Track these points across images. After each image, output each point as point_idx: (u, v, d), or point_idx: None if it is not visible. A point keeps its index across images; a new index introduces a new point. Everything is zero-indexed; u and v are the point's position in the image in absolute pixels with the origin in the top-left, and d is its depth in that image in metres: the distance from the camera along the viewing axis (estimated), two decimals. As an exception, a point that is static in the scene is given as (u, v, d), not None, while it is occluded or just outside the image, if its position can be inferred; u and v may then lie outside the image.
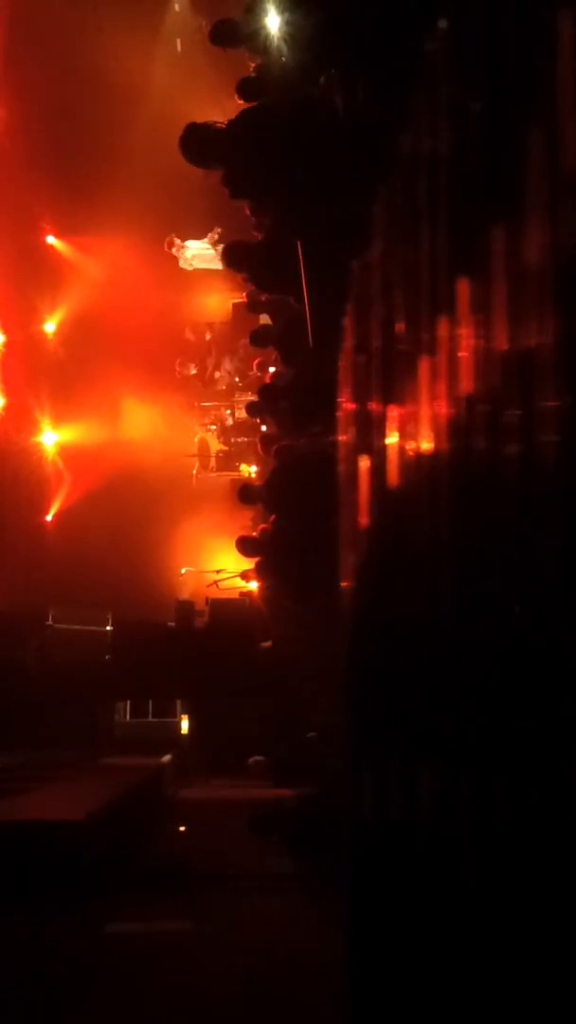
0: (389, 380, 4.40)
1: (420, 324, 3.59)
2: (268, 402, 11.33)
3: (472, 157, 2.90)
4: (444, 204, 3.29)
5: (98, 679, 17.70)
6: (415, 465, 3.74)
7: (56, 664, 17.97)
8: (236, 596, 17.86)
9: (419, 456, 3.63)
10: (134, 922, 7.92)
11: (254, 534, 12.83)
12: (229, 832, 10.35)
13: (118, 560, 18.79)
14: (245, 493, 13.08)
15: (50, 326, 21.23)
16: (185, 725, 18.43)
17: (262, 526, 12.29)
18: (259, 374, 17.15)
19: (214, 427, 21.49)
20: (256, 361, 17.18)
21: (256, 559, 12.33)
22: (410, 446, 3.83)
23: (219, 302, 21.47)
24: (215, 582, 18.51)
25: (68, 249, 21.26)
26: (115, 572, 18.63)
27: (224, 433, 21.40)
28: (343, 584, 6.06)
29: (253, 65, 8.78)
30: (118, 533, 19.07)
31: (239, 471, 20.70)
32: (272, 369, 14.36)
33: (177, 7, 20.04)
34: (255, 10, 8.04)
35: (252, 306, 14.87)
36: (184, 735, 18.25)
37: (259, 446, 15.09)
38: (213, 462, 21.41)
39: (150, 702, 18.83)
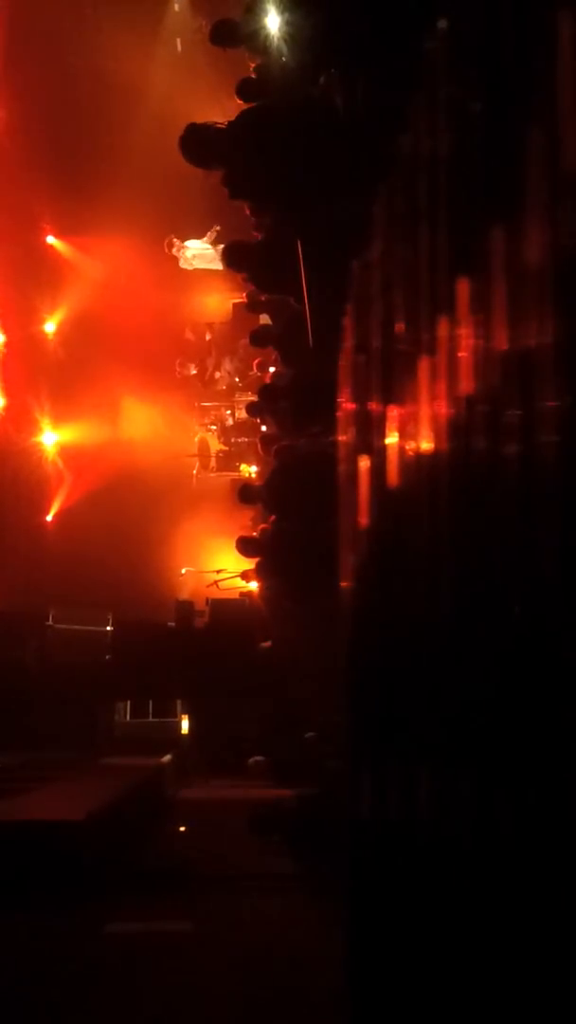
0: (389, 380, 4.40)
1: (420, 324, 3.59)
2: (268, 402, 11.32)
3: (472, 157, 2.90)
4: (444, 204, 3.29)
5: (98, 679, 17.70)
6: (415, 465, 3.74)
7: (56, 664, 17.97)
8: (236, 596, 17.87)
9: (419, 456, 3.63)
10: (134, 922, 7.92)
11: (254, 534, 12.83)
12: (229, 832, 10.34)
13: (118, 560, 18.79)
14: (245, 493, 13.08)
15: (50, 326, 21.23)
16: (185, 725, 18.44)
17: (262, 526, 12.29)
18: (259, 374, 17.15)
19: (214, 427, 21.49)
20: (256, 361, 17.18)
21: (256, 559, 12.33)
22: (410, 446, 3.83)
23: (219, 302, 21.47)
24: (215, 582, 18.52)
25: (68, 249, 21.26)
26: (115, 572, 18.63)
27: (224, 433, 21.40)
28: (343, 584, 6.06)
29: (253, 65, 8.78)
30: (118, 533, 19.07)
31: (239, 471, 20.70)
32: (272, 369, 14.36)
33: (177, 7, 20.04)
34: (255, 10, 8.04)
35: (252, 306, 14.88)
36: (184, 735, 18.25)
37: (259, 446, 15.10)
38: (213, 462, 21.41)
39: (150, 702, 18.83)
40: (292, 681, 13.13)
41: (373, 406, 4.90)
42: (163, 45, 20.14)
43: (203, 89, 17.49)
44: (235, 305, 20.44)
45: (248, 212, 9.11)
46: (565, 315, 2.16)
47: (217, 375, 21.60)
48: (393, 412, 4.24)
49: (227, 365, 21.44)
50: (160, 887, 8.86)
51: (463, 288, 2.95)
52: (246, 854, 9.66)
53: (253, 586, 15.84)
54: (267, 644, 14.06)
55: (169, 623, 18.28)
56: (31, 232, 20.74)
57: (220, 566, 18.46)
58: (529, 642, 2.31)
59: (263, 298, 12.75)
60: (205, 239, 20.48)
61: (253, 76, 8.79)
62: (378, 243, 4.74)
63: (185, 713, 18.55)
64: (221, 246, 16.57)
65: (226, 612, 17.54)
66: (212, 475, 21.34)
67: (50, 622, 18.86)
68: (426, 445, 3.51)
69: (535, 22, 2.34)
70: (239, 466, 20.89)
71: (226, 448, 21.38)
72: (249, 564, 13.85)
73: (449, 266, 3.19)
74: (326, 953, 5.89)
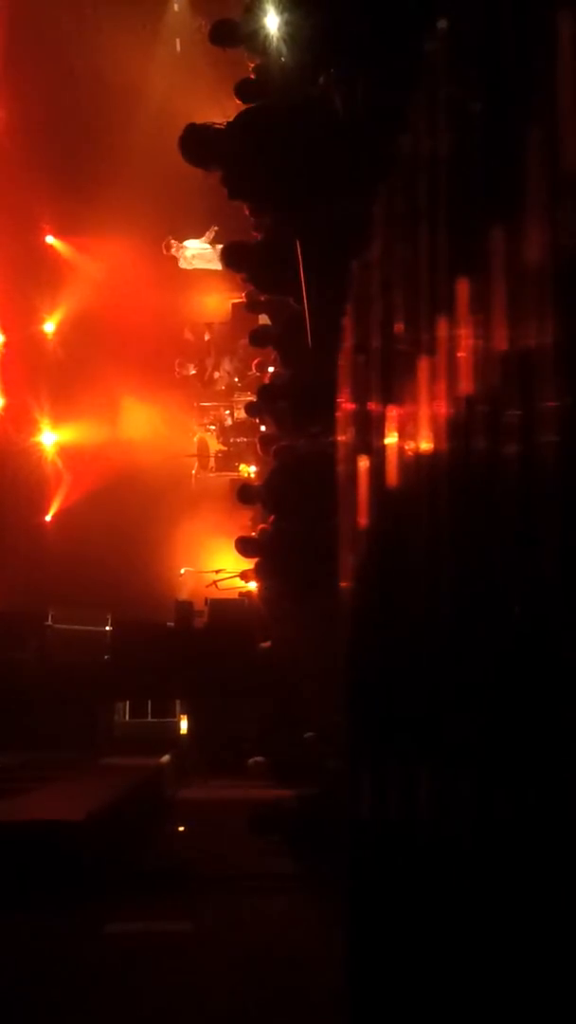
0: (388, 380, 4.40)
1: (419, 324, 3.59)
2: (267, 402, 11.32)
3: (472, 157, 2.90)
4: (444, 204, 3.29)
5: (98, 679, 17.71)
6: (414, 465, 3.74)
7: (56, 664, 17.97)
8: (235, 596, 17.88)
9: (418, 456, 3.63)
10: (134, 922, 7.92)
11: (253, 534, 12.83)
12: (229, 832, 10.35)
13: (118, 560, 18.80)
14: (244, 493, 13.09)
15: (50, 326, 21.24)
16: (184, 725, 18.44)
17: (261, 526, 12.29)
18: (258, 374, 17.16)
19: (213, 427, 21.50)
20: (255, 361, 17.18)
21: (255, 559, 12.33)
22: (409, 446, 3.83)
23: (218, 302, 21.47)
24: (214, 582, 18.53)
25: (68, 249, 21.27)
26: (115, 572, 18.63)
27: (223, 433, 21.41)
28: (342, 584, 6.06)
29: (252, 65, 8.78)
30: (118, 533, 19.07)
31: (238, 471, 20.71)
32: (271, 369, 14.37)
33: (176, 7, 20.03)
34: (254, 10, 8.04)
35: (251, 306, 14.88)
36: (183, 735, 18.26)
37: (258, 446, 15.09)
38: (212, 462, 21.41)
39: (149, 702, 18.84)
40: (292, 681, 13.13)
41: (372, 406, 4.89)
42: (163, 45, 20.15)
43: (203, 89, 17.49)
44: (234, 305, 20.44)
45: (247, 212, 9.11)
46: (565, 315, 2.16)
47: (216, 375, 21.60)
48: (392, 412, 4.24)
49: (226, 365, 21.45)
50: (160, 887, 8.87)
51: (463, 288, 2.95)
52: (246, 854, 9.66)
53: (252, 586, 15.84)
54: (266, 644, 14.06)
55: (168, 623, 18.29)
56: (31, 232, 20.74)
57: (219, 566, 18.47)
58: (529, 642, 2.31)
59: (262, 298, 12.75)
60: (204, 239, 20.48)
61: (252, 77, 8.80)
62: (378, 243, 4.74)
63: (184, 713, 18.55)
64: (220, 246, 16.59)
65: (225, 612, 17.55)
66: (211, 475, 21.34)
67: (49, 622, 18.86)
68: (426, 445, 3.51)
69: (535, 22, 2.34)
70: (238, 466, 20.89)
71: (225, 448, 21.38)
72: (248, 564, 13.86)
73: (449, 266, 3.19)
74: (326, 953, 5.89)
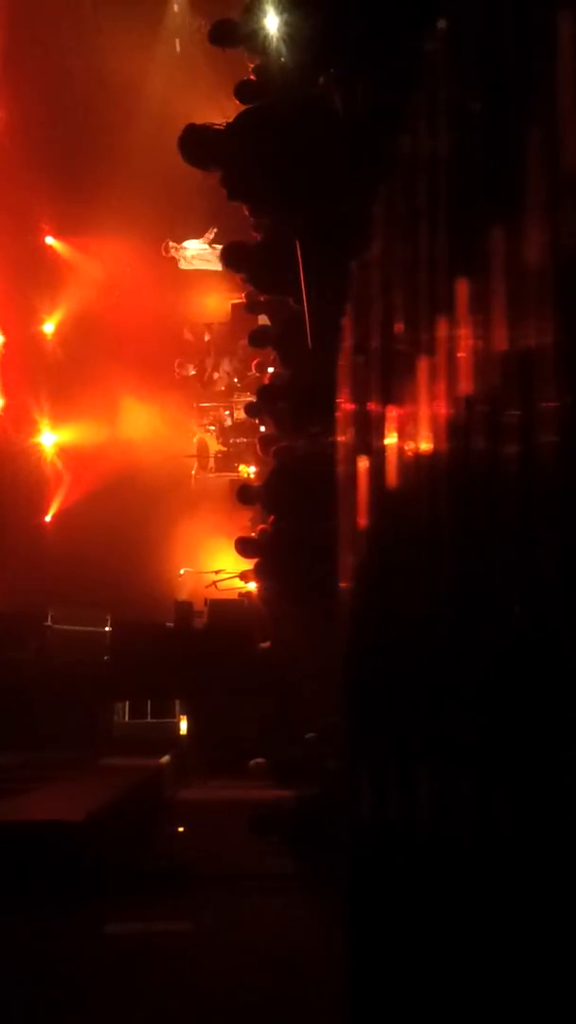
0: (388, 381, 4.40)
1: (419, 324, 3.59)
2: (267, 403, 11.32)
3: (472, 157, 2.90)
4: (443, 204, 3.29)
5: (97, 680, 17.72)
6: (414, 466, 3.74)
7: (56, 664, 17.98)
8: (235, 597, 17.89)
9: (418, 457, 3.63)
10: (134, 922, 7.92)
11: (253, 535, 12.83)
12: (228, 832, 10.35)
13: (117, 561, 18.81)
14: (244, 494, 13.08)
15: (49, 327, 21.24)
16: (184, 726, 18.44)
17: (261, 527, 12.29)
18: (258, 375, 17.15)
19: (213, 428, 21.50)
20: (255, 362, 17.18)
21: (255, 560, 12.33)
22: (409, 447, 3.83)
23: (218, 303, 21.48)
24: (214, 583, 18.54)
25: (67, 249, 21.28)
26: (114, 573, 18.65)
27: (223, 434, 21.41)
28: (342, 585, 6.06)
29: (252, 65, 8.78)
30: (117, 534, 19.08)
31: (238, 472, 20.71)
32: (271, 370, 14.36)
33: (176, 7, 20.05)
34: (254, 10, 8.04)
35: (251, 307, 14.88)
36: (183, 736, 18.26)
37: (258, 447, 15.09)
38: (212, 463, 21.42)
39: (149, 703, 18.84)
40: (291, 681, 13.13)
41: (372, 407, 4.90)
42: (162, 45, 20.15)
43: (202, 89, 17.51)
44: (234, 306, 20.45)
45: (247, 213, 9.11)
46: (565, 315, 2.16)
47: (216, 376, 21.61)
48: (392, 413, 4.24)
49: (226, 366, 21.45)
50: (160, 887, 8.87)
51: (462, 288, 2.95)
52: (246, 854, 9.66)
53: (252, 587, 15.84)
54: (266, 645, 14.06)
55: (168, 623, 18.30)
56: (31, 232, 20.76)
57: (219, 567, 18.48)
58: (529, 642, 2.31)
59: (262, 299, 12.76)
60: (203, 239, 20.48)
61: (252, 77, 8.80)
62: (377, 243, 4.74)
63: (184, 714, 18.56)
64: (219, 246, 16.60)
65: (225, 613, 17.56)
66: (211, 476, 21.35)
67: (49, 623, 18.88)
68: (425, 446, 3.51)
69: (535, 22, 2.34)
70: (238, 467, 20.90)
71: (225, 449, 21.39)
72: (248, 565, 13.85)
73: (449, 266, 3.19)
74: (326, 953, 5.89)
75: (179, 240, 20.69)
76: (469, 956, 2.75)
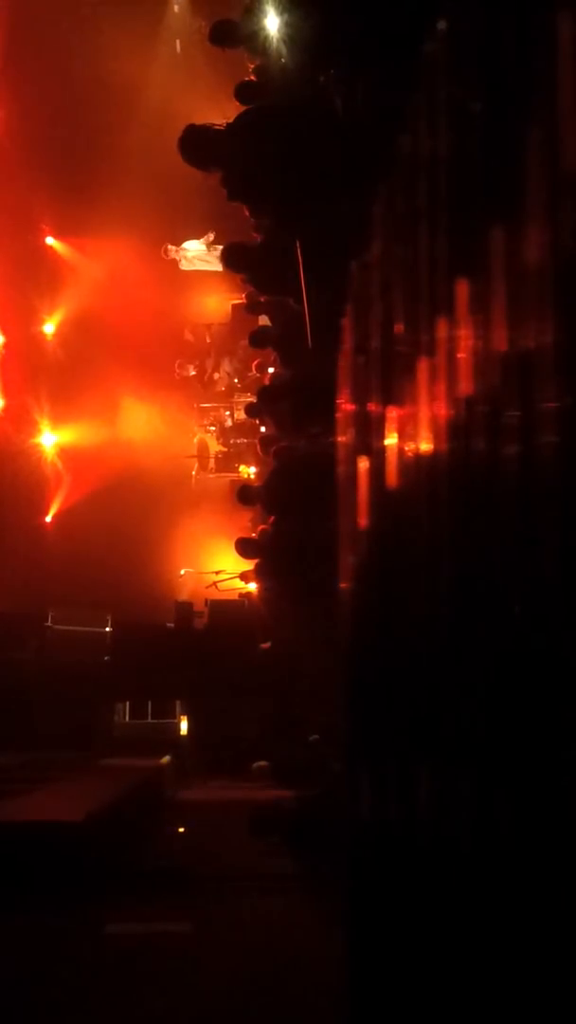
0: (388, 381, 4.40)
1: (419, 325, 3.59)
2: (267, 403, 11.33)
3: (472, 157, 2.90)
4: (443, 204, 3.29)
5: (97, 680, 17.71)
6: (414, 466, 3.74)
7: (56, 665, 17.96)
8: (235, 597, 17.88)
9: (418, 457, 3.63)
10: (134, 923, 7.92)
11: (253, 535, 12.83)
12: (228, 833, 10.35)
13: (117, 561, 18.81)
14: (244, 494, 13.10)
15: (49, 327, 21.24)
16: (184, 726, 18.43)
17: (261, 527, 12.30)
18: (258, 375, 17.16)
19: (213, 428, 21.50)
20: (255, 362, 17.19)
21: (255, 560, 12.33)
22: (409, 447, 3.83)
23: (218, 303, 21.48)
24: (214, 583, 18.54)
25: (67, 250, 21.27)
26: (114, 573, 18.64)
27: (223, 434, 21.41)
28: (342, 585, 6.06)
29: (252, 66, 8.78)
30: (117, 534, 19.08)
31: (238, 472, 20.72)
32: (271, 370, 14.37)
33: (176, 8, 20.04)
34: (254, 11, 8.04)
35: (251, 307, 14.90)
36: (183, 736, 18.24)
37: (258, 447, 15.10)
38: (212, 463, 21.42)
39: (149, 703, 18.82)
40: (291, 682, 13.13)
41: (372, 407, 4.90)
42: (162, 46, 20.15)
43: (202, 90, 17.50)
44: (234, 306, 20.45)
45: (247, 213, 9.11)
46: (565, 315, 2.16)
47: (216, 376, 21.61)
48: (392, 413, 4.24)
49: (226, 366, 21.46)
50: (160, 888, 8.87)
51: (462, 289, 2.95)
52: (246, 855, 9.66)
53: (252, 587, 15.84)
54: (266, 645, 14.07)
55: (168, 624, 18.29)
56: (31, 233, 20.75)
57: (219, 567, 18.48)
58: (529, 642, 2.31)
59: (262, 299, 12.76)
60: (201, 241, 20.49)
61: (252, 78, 8.80)
62: (377, 244, 4.75)
63: (184, 714, 18.54)
64: (219, 248, 16.60)
65: (225, 613, 17.55)
66: (211, 476, 21.35)
67: (49, 623, 18.86)
68: (425, 446, 3.51)
69: (535, 22, 2.34)
70: (238, 467, 20.90)
71: (225, 449, 21.39)
72: (248, 565, 13.86)
73: (449, 267, 3.19)
74: (326, 953, 5.89)
75: (178, 242, 20.70)
76: (469, 956, 2.75)
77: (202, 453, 21.48)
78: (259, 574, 12.60)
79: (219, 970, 6.99)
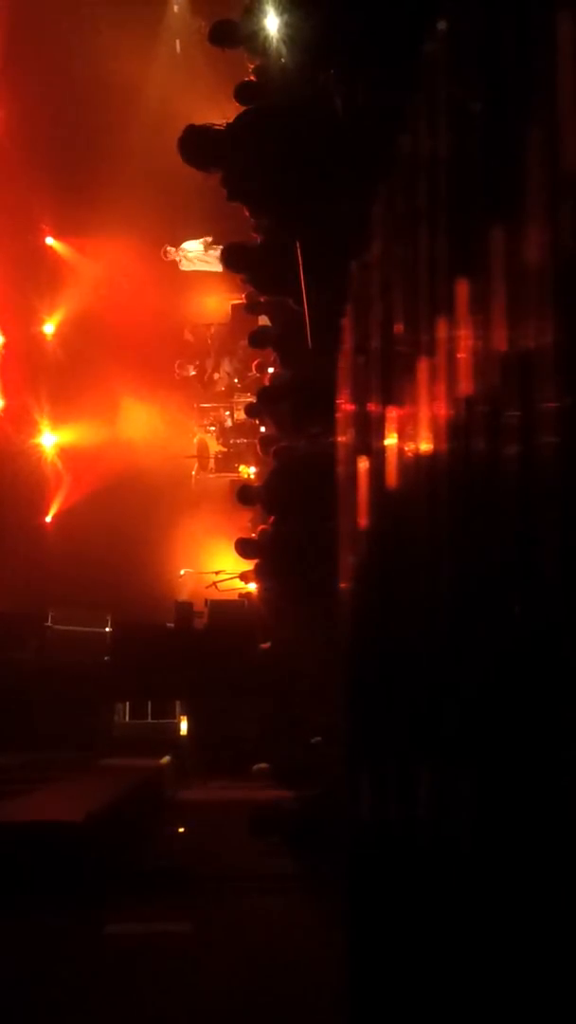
0: (388, 381, 4.40)
1: (419, 325, 3.59)
2: (267, 403, 11.33)
3: (472, 157, 2.90)
4: (443, 205, 3.29)
5: (97, 680, 17.71)
6: (414, 466, 3.74)
7: (56, 665, 17.97)
8: (235, 597, 17.89)
9: (418, 457, 3.63)
10: (134, 923, 7.92)
11: (253, 536, 12.84)
12: (228, 833, 10.35)
13: (117, 561, 18.81)
14: (244, 494, 13.10)
15: (49, 327, 21.24)
16: (184, 726, 18.43)
17: (261, 527, 12.30)
18: (258, 375, 17.17)
19: (213, 428, 21.51)
20: (255, 362, 17.19)
21: (255, 560, 12.33)
22: (409, 447, 3.83)
23: (218, 303, 21.49)
24: (214, 583, 18.54)
25: (67, 250, 21.28)
26: (114, 573, 18.65)
27: (223, 434, 21.42)
28: (342, 585, 6.06)
29: (252, 66, 8.78)
30: (117, 534, 19.09)
31: (238, 472, 20.73)
32: (271, 370, 14.37)
33: (176, 8, 20.05)
34: (254, 11, 8.04)
35: (251, 307, 14.91)
36: (183, 736, 18.25)
37: (258, 447, 15.11)
38: (212, 463, 21.43)
39: (149, 703, 18.83)
40: (291, 682, 13.13)
41: (372, 407, 4.90)
42: (162, 46, 20.16)
43: (202, 90, 17.50)
44: (234, 306, 20.46)
45: (247, 214, 9.11)
46: (565, 315, 2.16)
47: (216, 376, 21.62)
48: (392, 413, 4.24)
49: (226, 366, 21.46)
50: (160, 888, 8.87)
51: (462, 289, 2.95)
52: (246, 855, 9.66)
53: (252, 587, 15.84)
54: (266, 645, 14.06)
55: (168, 624, 18.29)
56: (30, 233, 20.76)
57: (219, 567, 18.49)
58: (529, 642, 2.31)
59: (262, 299, 12.77)
60: (199, 242, 20.50)
61: (252, 78, 8.80)
62: (377, 244, 4.75)
63: (184, 714, 18.55)
64: (218, 248, 16.60)
65: (225, 613, 17.56)
66: (211, 476, 21.36)
67: (49, 623, 18.87)
68: (425, 446, 3.51)
69: (535, 22, 2.34)
70: (238, 467, 20.91)
71: (225, 449, 21.41)
72: (248, 565, 13.86)
73: (448, 267, 3.19)
74: (326, 953, 5.89)
75: (177, 242, 20.70)
76: (469, 956, 2.75)
77: (202, 453, 21.48)
78: (259, 574, 12.61)
79: (219, 970, 6.98)
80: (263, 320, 14.86)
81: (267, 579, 12.22)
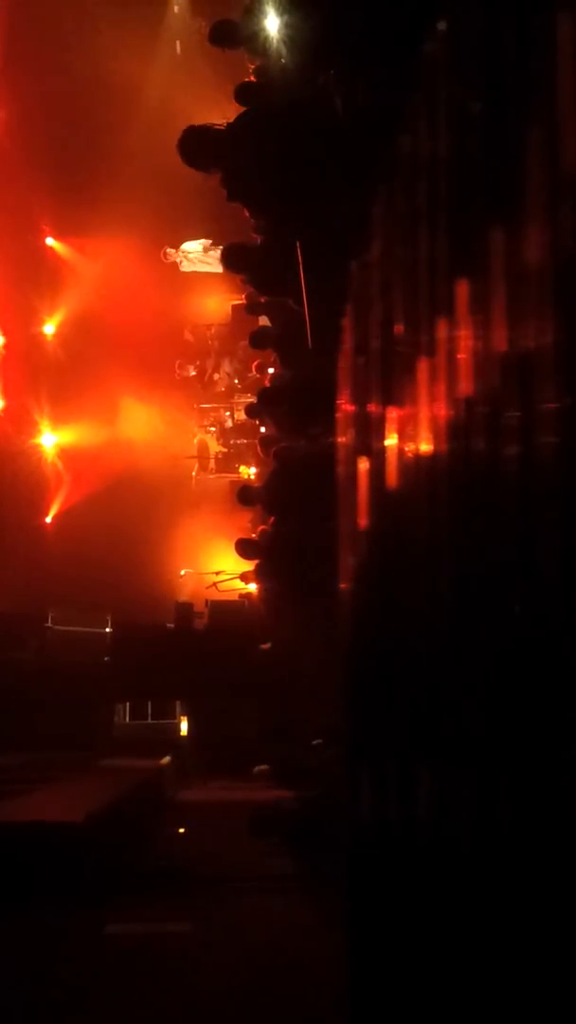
0: (388, 382, 4.40)
1: (419, 325, 3.59)
2: (267, 404, 11.33)
3: (472, 157, 2.90)
4: (443, 205, 3.29)
5: (98, 680, 17.71)
6: (414, 467, 3.74)
7: (56, 665, 17.97)
8: (235, 598, 17.89)
9: (418, 458, 3.63)
10: (134, 923, 7.92)
11: (253, 536, 12.84)
12: (228, 833, 10.35)
13: (117, 562, 18.81)
14: (244, 495, 13.11)
15: (50, 328, 21.24)
16: (184, 727, 18.44)
17: (261, 528, 12.31)
18: (258, 376, 17.16)
19: (213, 429, 21.52)
20: (255, 363, 17.17)
21: (255, 561, 12.33)
22: (409, 448, 3.83)
23: (218, 304, 21.49)
24: (214, 584, 18.54)
25: (67, 251, 21.28)
26: (115, 574, 18.65)
27: (223, 435, 21.43)
28: (342, 586, 6.06)
29: (252, 67, 8.78)
30: (117, 535, 19.08)
31: (238, 473, 20.73)
32: (271, 371, 14.37)
33: (176, 8, 20.06)
34: (254, 11, 8.03)
35: (251, 308, 14.91)
36: (183, 736, 18.25)
37: (258, 448, 15.11)
38: (212, 464, 21.43)
39: (149, 704, 18.84)
40: (291, 682, 13.13)
41: (372, 408, 4.89)
42: (163, 46, 20.16)
43: (202, 90, 17.49)
44: (234, 307, 20.46)
45: (247, 214, 9.11)
46: (565, 316, 2.16)
47: (216, 377, 21.62)
48: (392, 414, 4.24)
49: (226, 367, 21.46)
50: (160, 888, 8.87)
51: (462, 289, 2.95)
52: (246, 855, 9.66)
53: (252, 588, 15.84)
54: (266, 646, 14.07)
55: (168, 624, 18.29)
56: (31, 233, 20.76)
57: (219, 568, 18.48)
58: (529, 642, 2.31)
59: (262, 300, 12.76)
60: (199, 243, 20.50)
61: (252, 79, 8.79)
62: (377, 244, 4.74)
63: (184, 715, 18.56)
64: (218, 249, 16.61)
65: (225, 614, 17.56)
66: (211, 477, 21.36)
67: (49, 623, 18.88)
68: (425, 447, 3.51)
69: (535, 22, 2.34)
70: (238, 468, 20.92)
71: (225, 450, 21.41)
72: (248, 566, 13.87)
73: (449, 267, 3.19)
74: (326, 953, 5.89)
75: (177, 243, 20.70)
76: (469, 956, 2.75)
77: (202, 454, 21.49)
78: (259, 575, 12.61)
79: (219, 970, 6.99)
80: (263, 321, 14.86)
81: (267, 579, 12.22)
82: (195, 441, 21.57)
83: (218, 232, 19.41)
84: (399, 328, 4.08)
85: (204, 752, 17.22)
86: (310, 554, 9.39)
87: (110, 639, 18.71)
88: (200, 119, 8.78)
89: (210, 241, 20.02)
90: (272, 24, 7.94)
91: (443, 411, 3.22)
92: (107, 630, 18.86)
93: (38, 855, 8.66)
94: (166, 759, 15.93)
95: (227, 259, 10.29)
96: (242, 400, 20.11)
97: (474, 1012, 2.77)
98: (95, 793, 11.45)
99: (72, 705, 17.30)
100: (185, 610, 18.39)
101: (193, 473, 21.32)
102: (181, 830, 12.13)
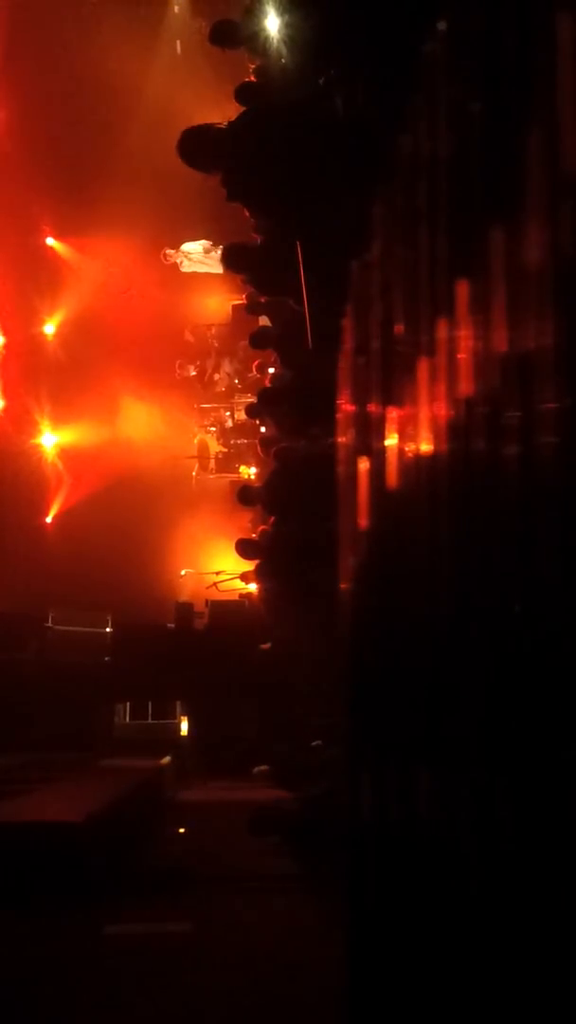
0: (388, 382, 4.40)
1: (419, 325, 3.59)
2: (267, 404, 11.33)
3: (472, 158, 2.90)
4: (444, 205, 3.29)
5: (98, 681, 17.72)
6: (414, 467, 3.74)
7: (56, 665, 17.97)
8: (236, 598, 17.89)
9: (418, 458, 3.63)
10: (134, 923, 7.92)
11: (253, 536, 12.84)
12: (229, 833, 10.35)
13: (118, 562, 18.81)
14: (244, 495, 13.10)
15: (50, 328, 21.24)
16: (184, 727, 18.44)
17: (261, 528, 12.30)
18: (258, 376, 17.16)
19: (213, 429, 21.52)
20: (255, 363, 17.18)
21: (255, 561, 12.33)
22: (409, 448, 3.83)
23: (218, 304, 21.49)
24: (215, 584, 18.54)
25: (68, 251, 21.28)
26: (115, 574, 18.64)
27: (223, 435, 21.43)
28: (342, 586, 6.06)
29: (252, 67, 8.77)
30: (118, 535, 19.08)
31: (238, 473, 20.73)
32: (271, 371, 14.37)
33: (177, 8, 20.05)
34: (255, 11, 8.03)
35: (251, 308, 14.90)
36: (183, 737, 18.26)
37: (258, 448, 15.11)
38: (212, 464, 21.43)
39: (149, 704, 18.84)
40: (292, 682, 13.12)
41: (372, 408, 4.89)
42: (163, 46, 20.16)
43: (203, 90, 17.50)
44: (234, 307, 20.47)
45: (247, 214, 9.11)
46: (565, 316, 2.16)
47: (216, 377, 21.62)
48: (392, 414, 4.23)
49: (226, 367, 21.47)
50: (160, 888, 8.87)
51: (463, 289, 2.95)
52: (246, 855, 9.66)
53: (252, 588, 15.84)
54: (266, 646, 14.06)
55: (169, 624, 18.30)
56: (31, 233, 20.76)
57: (219, 568, 18.49)
58: (529, 642, 2.31)
59: (262, 300, 12.76)
60: (199, 244, 20.50)
61: (252, 79, 8.79)
62: (377, 244, 4.74)
63: (184, 715, 18.56)
64: (218, 249, 16.61)
65: (225, 614, 17.56)
66: (211, 477, 21.36)
67: (50, 623, 18.88)
68: (425, 447, 3.51)
69: (535, 22, 2.34)
70: (238, 468, 20.92)
71: (225, 450, 21.41)
72: (248, 566, 13.86)
73: (449, 267, 3.19)
74: (326, 954, 5.88)
75: (177, 244, 20.71)
76: (469, 957, 2.75)
77: (202, 454, 21.49)
78: (259, 575, 12.60)
79: (219, 970, 6.98)
80: (263, 321, 14.86)
81: (267, 580, 12.22)
82: (195, 441, 21.57)
83: (218, 232, 19.42)
84: (399, 328, 4.08)
85: (204, 752, 17.23)
86: (310, 554, 9.39)
87: (110, 639, 18.71)
88: (200, 119, 8.77)
89: (210, 242, 20.03)
90: (272, 24, 7.94)
91: (443, 411, 3.22)
92: (107, 630, 18.86)
93: (38, 855, 8.66)
94: (166, 759, 15.93)
95: (227, 259, 10.29)
96: (242, 400, 20.12)
97: (474, 1012, 2.77)
98: (95, 793, 11.45)
99: (72, 705, 17.30)
100: (185, 610, 18.39)
101: (193, 473, 21.32)
102: (181, 830, 12.13)
